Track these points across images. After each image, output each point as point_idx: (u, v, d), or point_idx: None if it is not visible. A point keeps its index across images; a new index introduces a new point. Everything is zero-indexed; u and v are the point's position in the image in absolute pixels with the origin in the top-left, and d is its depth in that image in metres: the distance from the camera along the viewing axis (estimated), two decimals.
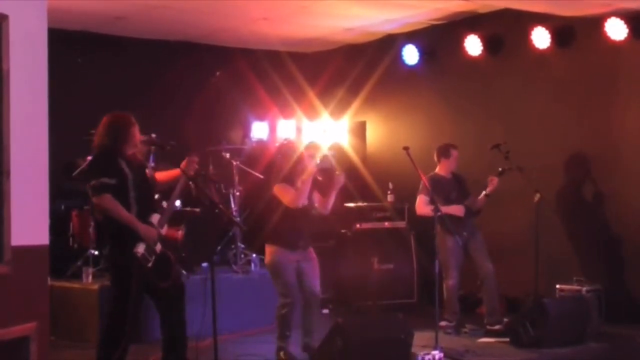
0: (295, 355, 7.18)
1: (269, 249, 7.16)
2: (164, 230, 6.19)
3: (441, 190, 8.48)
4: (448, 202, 8.47)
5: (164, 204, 9.06)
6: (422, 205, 8.47)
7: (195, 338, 6.82)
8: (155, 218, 6.08)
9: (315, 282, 7.19)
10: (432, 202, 7.93)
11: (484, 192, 8.50)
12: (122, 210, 5.88)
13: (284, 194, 7.04)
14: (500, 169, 8.48)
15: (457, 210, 8.42)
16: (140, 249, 5.91)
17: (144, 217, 6.03)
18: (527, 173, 8.43)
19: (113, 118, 6.15)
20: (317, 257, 7.29)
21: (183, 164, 6.36)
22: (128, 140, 6.07)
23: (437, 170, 8.70)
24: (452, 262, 8.38)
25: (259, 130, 10.80)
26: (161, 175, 6.54)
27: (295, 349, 7.26)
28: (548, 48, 9.29)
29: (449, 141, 8.88)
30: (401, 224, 10.10)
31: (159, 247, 6.07)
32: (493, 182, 8.43)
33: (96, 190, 5.84)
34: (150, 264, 5.98)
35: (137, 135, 6.17)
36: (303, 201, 7.03)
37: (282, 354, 7.16)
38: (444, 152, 8.69)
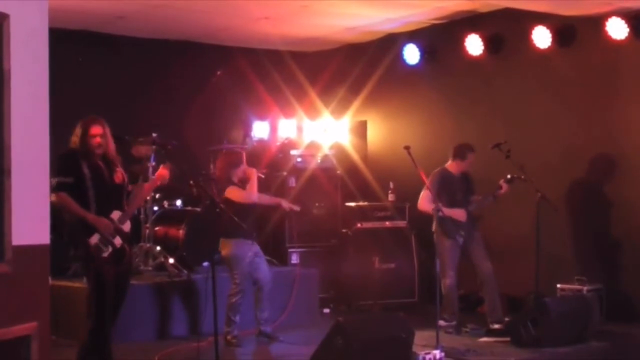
0: (241, 337, 7.82)
1: (229, 242, 7.81)
2: (126, 227, 6.36)
3: (448, 188, 8.44)
4: (453, 202, 8.41)
5: (165, 203, 9.17)
6: (425, 201, 8.32)
7: (196, 337, 6.83)
8: (115, 214, 6.28)
9: (267, 270, 8.05)
10: (434, 200, 7.93)
11: (492, 195, 8.44)
12: (75, 205, 6.14)
13: (237, 195, 7.83)
14: (509, 177, 8.40)
15: (460, 215, 8.38)
16: (94, 239, 6.15)
17: (105, 214, 6.24)
18: (528, 172, 8.41)
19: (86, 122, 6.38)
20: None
21: (157, 173, 6.83)
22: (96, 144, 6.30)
23: (447, 165, 8.59)
24: (449, 262, 8.34)
25: (260, 129, 10.79)
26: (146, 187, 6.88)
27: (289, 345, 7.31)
28: (549, 47, 9.29)
29: (450, 141, 8.85)
30: (402, 224, 10.10)
31: (118, 240, 6.24)
32: (505, 188, 8.38)
33: (54, 188, 6.06)
34: (105, 254, 6.16)
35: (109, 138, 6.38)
36: (254, 198, 7.91)
37: (229, 337, 7.74)
38: (459, 153, 8.53)
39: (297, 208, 8.36)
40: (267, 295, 8.00)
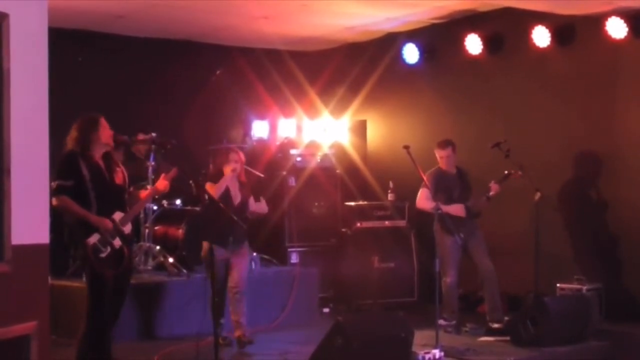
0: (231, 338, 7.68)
1: (205, 245, 7.61)
2: (127, 228, 6.34)
3: (445, 186, 8.46)
4: (450, 200, 8.43)
5: (164, 202, 9.17)
6: (423, 199, 8.37)
7: (195, 337, 6.83)
8: (117, 215, 6.26)
9: (243, 274, 7.71)
10: (434, 198, 7.93)
11: (485, 197, 8.46)
12: (76, 207, 6.11)
13: (210, 189, 7.58)
14: (506, 172, 8.41)
15: (458, 210, 8.40)
16: (93, 239, 6.11)
17: (107, 214, 6.21)
18: (528, 171, 8.42)
19: (80, 121, 6.34)
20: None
21: (157, 184, 6.79)
22: (94, 142, 6.25)
23: (440, 164, 8.64)
24: (450, 261, 8.36)
25: (259, 129, 10.80)
26: (143, 194, 6.80)
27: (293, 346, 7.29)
28: (548, 47, 9.29)
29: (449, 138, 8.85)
30: (402, 223, 10.11)
31: (117, 241, 6.22)
32: (494, 189, 8.39)
33: (54, 191, 6.07)
34: (103, 255, 6.13)
35: (105, 135, 6.31)
36: (216, 194, 7.56)
37: (220, 339, 7.40)
38: (436, 150, 8.62)
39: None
40: (244, 303, 7.72)
